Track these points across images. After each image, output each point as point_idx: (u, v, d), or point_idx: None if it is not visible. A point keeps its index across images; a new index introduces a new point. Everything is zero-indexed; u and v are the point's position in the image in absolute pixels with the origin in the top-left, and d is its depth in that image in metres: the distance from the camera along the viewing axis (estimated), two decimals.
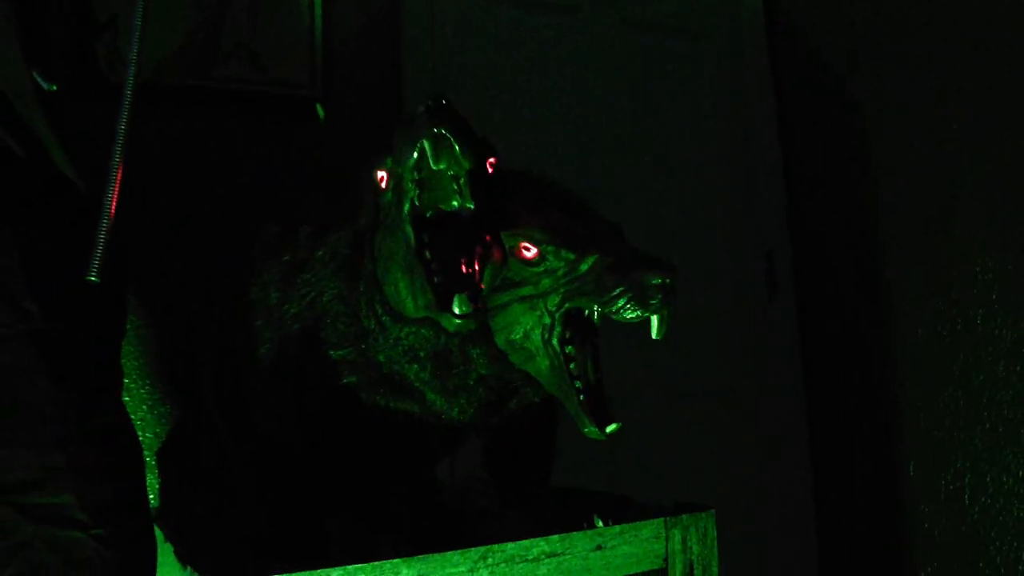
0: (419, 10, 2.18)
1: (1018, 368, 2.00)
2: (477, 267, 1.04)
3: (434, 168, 0.99)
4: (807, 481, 2.58)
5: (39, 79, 1.09)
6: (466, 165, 1.00)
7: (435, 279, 1.02)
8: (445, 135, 0.98)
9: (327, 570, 1.03)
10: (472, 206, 1.03)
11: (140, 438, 1.16)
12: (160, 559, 1.15)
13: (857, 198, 2.44)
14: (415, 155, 0.99)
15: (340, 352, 1.16)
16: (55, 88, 1.11)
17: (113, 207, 1.00)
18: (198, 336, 1.56)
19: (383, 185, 1.08)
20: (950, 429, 2.17)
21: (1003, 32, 2.04)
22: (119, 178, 1.01)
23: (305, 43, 1.98)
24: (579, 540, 1.16)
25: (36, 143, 1.08)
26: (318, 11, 2.00)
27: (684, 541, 1.22)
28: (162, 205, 1.80)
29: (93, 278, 0.98)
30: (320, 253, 1.21)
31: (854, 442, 2.46)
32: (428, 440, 1.28)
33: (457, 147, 0.98)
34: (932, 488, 2.21)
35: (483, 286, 1.05)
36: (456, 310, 0.99)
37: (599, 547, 1.16)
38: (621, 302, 1.02)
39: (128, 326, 1.23)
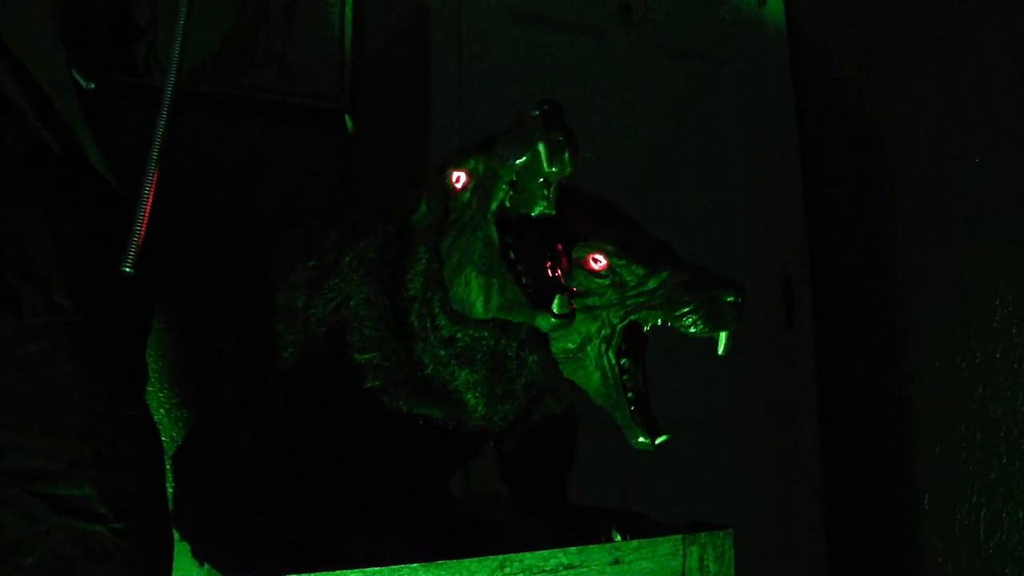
0: (447, 26, 2.21)
1: None
2: (559, 272, 1.07)
3: (547, 170, 1.00)
4: (821, 509, 2.56)
5: (79, 77, 1.11)
6: (567, 173, 1.01)
7: (523, 280, 1.03)
8: (561, 140, 0.99)
9: (345, 572, 1.03)
10: (553, 213, 1.05)
11: (160, 438, 1.17)
12: (176, 558, 1.16)
13: (877, 226, 2.44)
14: (526, 156, 1.00)
15: (365, 356, 1.16)
16: (93, 86, 1.13)
17: (150, 201, 1.01)
18: (219, 339, 1.58)
19: (458, 185, 1.09)
20: (966, 462, 2.16)
21: None
22: (156, 174, 1.02)
23: (335, 56, 2.01)
24: (597, 553, 1.16)
25: (73, 140, 1.11)
26: (348, 24, 2.03)
27: (701, 559, 1.22)
28: (187, 208, 1.82)
29: (128, 269, 0.99)
30: (348, 258, 1.22)
31: (869, 471, 2.45)
32: (446, 448, 1.28)
33: (567, 154, 0.99)
34: (947, 521, 2.20)
35: (575, 289, 1.07)
36: (555, 310, 1.01)
37: (616, 561, 1.16)
38: (692, 318, 1.05)
39: (152, 325, 1.25)
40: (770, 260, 2.65)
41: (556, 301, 1.01)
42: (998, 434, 2.08)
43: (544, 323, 1.02)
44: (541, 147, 0.99)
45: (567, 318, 1.01)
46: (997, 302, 2.09)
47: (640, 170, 2.48)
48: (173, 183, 1.76)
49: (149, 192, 1.01)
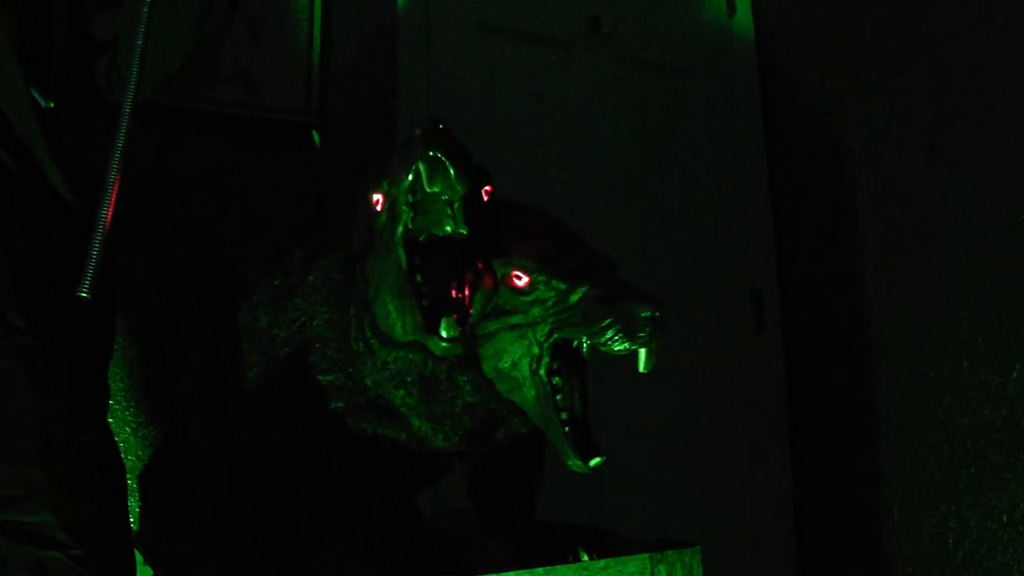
0: (415, 39, 2.20)
1: (1003, 412, 2.01)
2: (467, 292, 1.04)
3: (428, 191, 0.99)
4: (790, 520, 2.57)
5: (37, 96, 1.09)
6: (460, 190, 1.00)
7: (424, 302, 1.01)
8: (440, 159, 0.98)
9: None
10: (465, 232, 1.03)
11: (123, 460, 1.15)
12: None
13: (845, 237, 2.46)
14: (410, 177, 0.99)
15: (328, 377, 1.15)
16: (52, 105, 1.11)
17: (108, 224, 0.99)
18: (183, 358, 1.56)
19: (378, 208, 1.09)
20: (934, 472, 2.17)
21: (991, 71, 2.07)
22: (115, 195, 1.00)
23: (302, 70, 2.00)
24: (563, 573, 1.15)
25: (30, 159, 1.09)
26: (316, 39, 2.02)
27: None
28: (154, 223, 1.80)
29: (84, 294, 0.97)
30: (312, 278, 1.21)
31: (838, 483, 2.46)
32: (413, 468, 1.27)
33: (452, 171, 0.98)
34: (916, 531, 2.21)
35: (472, 311, 1.05)
36: (443, 333, 0.99)
37: None
38: (609, 334, 1.02)
39: (115, 346, 1.23)
40: (739, 271, 2.66)
41: (443, 324, 0.99)
42: (965, 444, 2.10)
43: (435, 347, 1.01)
44: (420, 166, 0.98)
45: (455, 342, 0.99)
46: (963, 313, 2.11)
47: (609, 182, 2.48)
48: (140, 198, 1.74)
49: (106, 215, 0.99)
